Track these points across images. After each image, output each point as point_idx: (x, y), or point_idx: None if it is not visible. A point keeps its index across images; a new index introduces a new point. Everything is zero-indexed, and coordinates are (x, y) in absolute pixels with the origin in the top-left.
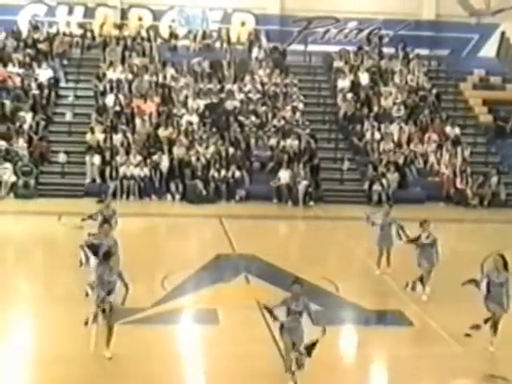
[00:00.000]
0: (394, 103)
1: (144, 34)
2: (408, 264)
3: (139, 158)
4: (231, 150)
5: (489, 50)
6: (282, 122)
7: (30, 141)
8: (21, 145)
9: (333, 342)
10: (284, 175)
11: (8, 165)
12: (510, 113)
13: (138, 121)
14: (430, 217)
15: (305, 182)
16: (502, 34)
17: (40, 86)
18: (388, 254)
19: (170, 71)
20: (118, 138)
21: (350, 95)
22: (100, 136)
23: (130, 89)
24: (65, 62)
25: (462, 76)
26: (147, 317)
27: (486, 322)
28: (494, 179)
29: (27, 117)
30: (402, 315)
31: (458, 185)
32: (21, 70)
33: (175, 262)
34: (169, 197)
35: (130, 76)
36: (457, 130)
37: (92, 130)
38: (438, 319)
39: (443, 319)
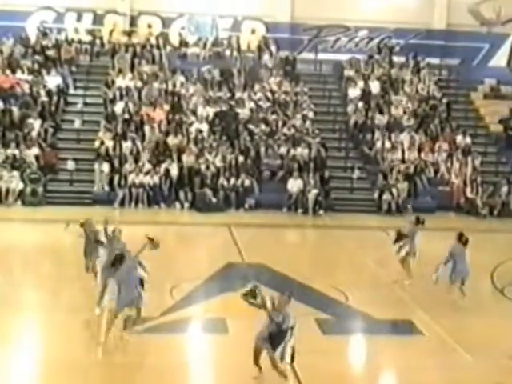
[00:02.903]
0: (405, 112)
1: (153, 41)
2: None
3: (148, 165)
4: (241, 159)
5: (499, 59)
6: (292, 131)
7: (39, 148)
8: (29, 152)
9: (342, 351)
10: (294, 184)
11: (15, 172)
12: None
13: (147, 128)
14: (440, 226)
15: (315, 191)
16: None
17: (49, 93)
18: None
19: (180, 79)
20: (127, 146)
21: (360, 104)
22: (109, 143)
23: (140, 96)
24: (73, 68)
25: (473, 85)
26: (156, 326)
27: None
28: (505, 189)
29: (35, 124)
30: (412, 325)
31: (469, 194)
32: (29, 77)
33: (184, 270)
34: (178, 205)
35: (139, 83)
36: (467, 140)
37: (101, 138)
38: (448, 329)
39: (453, 329)
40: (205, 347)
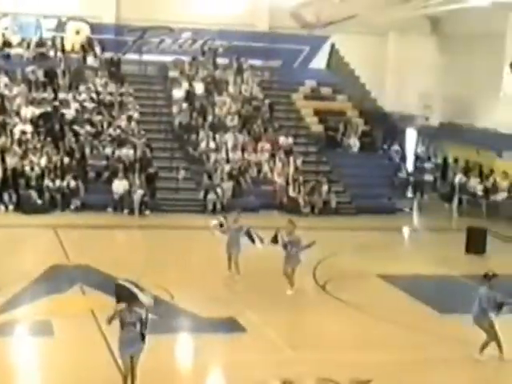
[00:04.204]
0: (229, 113)
1: None
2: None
3: None
4: (66, 160)
5: (319, 61)
6: (118, 131)
7: None
8: None
9: (169, 350)
10: (119, 184)
11: None
12: (340, 123)
13: None
14: (264, 225)
15: (140, 191)
16: (332, 45)
17: None
18: (236, 260)
19: (4, 80)
20: None
21: (185, 105)
22: None
23: None
24: None
25: (294, 87)
26: None
27: None
28: (325, 188)
29: None
30: (236, 322)
31: (291, 193)
32: None
33: (8, 273)
34: (2, 207)
35: None
36: (289, 140)
37: None
38: (272, 325)
39: (277, 325)
40: (31, 350)
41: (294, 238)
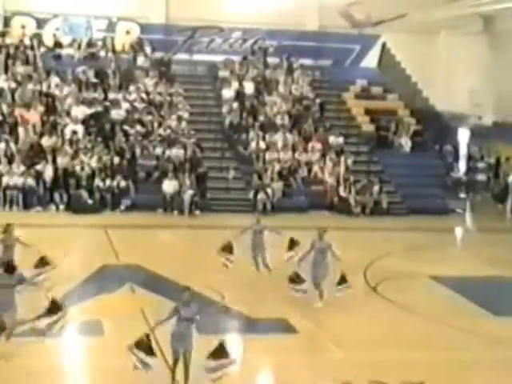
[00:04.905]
0: (279, 112)
1: (27, 42)
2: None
3: (22, 167)
4: (116, 160)
5: (370, 60)
6: (168, 132)
7: None
8: None
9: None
10: (169, 185)
11: None
12: (391, 122)
13: (21, 130)
14: (313, 225)
15: (190, 191)
16: (383, 44)
17: None
18: (264, 261)
19: (54, 80)
20: (0, 148)
21: (235, 104)
22: None
23: (13, 98)
24: None
25: (345, 86)
26: (31, 329)
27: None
28: (376, 188)
29: None
30: (287, 323)
31: (341, 193)
32: None
33: (59, 273)
34: (53, 207)
35: (13, 85)
36: (340, 139)
37: None
38: (321, 327)
39: (326, 327)
40: (81, 350)
41: (325, 245)
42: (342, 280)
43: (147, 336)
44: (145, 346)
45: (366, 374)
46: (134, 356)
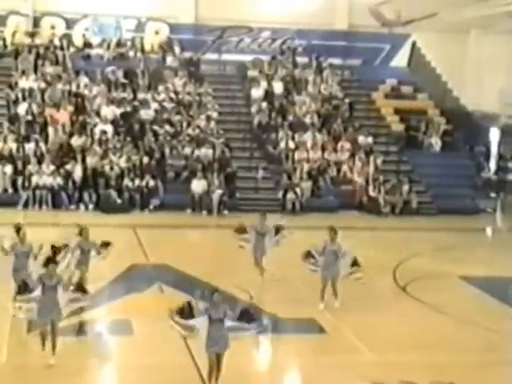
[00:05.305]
0: (308, 112)
1: (57, 42)
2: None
3: (52, 167)
4: (145, 159)
5: (400, 59)
6: (197, 131)
7: None
8: None
9: (249, 350)
10: (198, 184)
11: None
12: (421, 122)
13: (50, 130)
14: (343, 225)
15: (219, 191)
16: (413, 44)
17: None
18: (261, 264)
19: (84, 80)
20: (30, 147)
21: (264, 104)
22: (12, 145)
23: (43, 98)
24: None
25: (374, 85)
26: (61, 328)
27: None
28: (406, 187)
29: None
30: (316, 323)
31: (371, 193)
32: None
33: (89, 272)
34: (82, 206)
35: (42, 85)
36: (369, 139)
37: (5, 140)
38: (351, 327)
39: (356, 327)
40: (110, 349)
41: (337, 247)
42: (354, 264)
43: (189, 303)
44: (186, 311)
45: (396, 375)
46: (176, 324)
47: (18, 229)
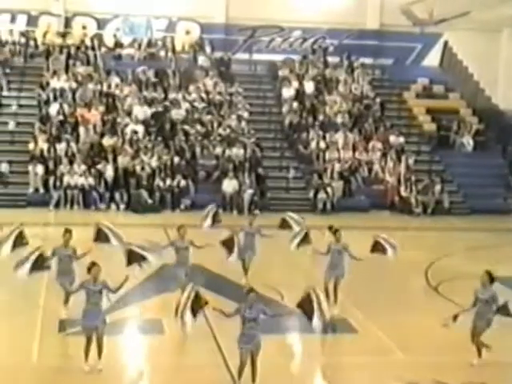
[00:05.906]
0: (339, 112)
1: (88, 42)
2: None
3: (83, 167)
4: (176, 159)
5: (432, 59)
6: (228, 131)
7: None
8: None
9: (281, 350)
10: (229, 184)
11: None
12: (453, 121)
13: (81, 130)
14: (374, 225)
15: (250, 191)
16: (445, 43)
17: None
18: (248, 265)
19: (115, 80)
20: (61, 147)
21: (295, 104)
22: (44, 145)
23: (74, 98)
24: (7, 70)
25: (406, 85)
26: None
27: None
28: (438, 187)
29: None
30: (348, 323)
31: (403, 193)
32: None
33: (119, 272)
34: (113, 206)
35: (73, 85)
36: (401, 139)
37: (36, 140)
38: (383, 327)
39: (388, 327)
40: (141, 348)
41: (342, 247)
42: (375, 247)
43: (206, 302)
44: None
45: (427, 375)
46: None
47: (65, 232)
